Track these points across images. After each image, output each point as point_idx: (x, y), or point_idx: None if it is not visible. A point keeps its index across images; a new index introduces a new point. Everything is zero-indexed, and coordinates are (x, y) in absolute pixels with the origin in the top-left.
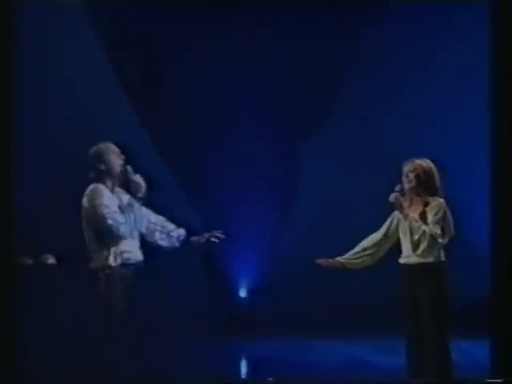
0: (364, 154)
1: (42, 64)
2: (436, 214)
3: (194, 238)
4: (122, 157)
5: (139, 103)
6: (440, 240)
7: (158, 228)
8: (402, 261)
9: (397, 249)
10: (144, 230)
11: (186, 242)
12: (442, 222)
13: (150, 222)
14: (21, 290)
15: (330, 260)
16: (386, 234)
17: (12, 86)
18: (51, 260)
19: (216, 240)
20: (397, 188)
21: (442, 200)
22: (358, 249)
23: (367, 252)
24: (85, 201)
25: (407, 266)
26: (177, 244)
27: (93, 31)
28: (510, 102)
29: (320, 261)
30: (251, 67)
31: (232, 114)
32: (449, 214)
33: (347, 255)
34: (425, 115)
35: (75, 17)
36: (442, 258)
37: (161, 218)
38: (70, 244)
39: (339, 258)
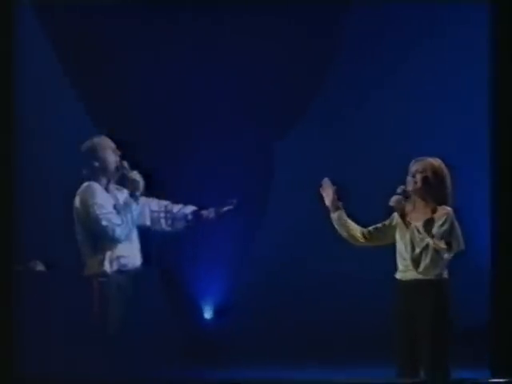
0: (352, 154)
1: (39, 61)
2: (442, 225)
3: (204, 212)
4: (118, 152)
5: (136, 97)
6: (446, 255)
7: (162, 215)
8: (398, 276)
9: (387, 260)
10: (148, 222)
11: (195, 220)
12: (448, 234)
13: (152, 211)
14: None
15: (332, 192)
16: (384, 228)
17: (11, 85)
18: (40, 267)
19: (231, 207)
20: (398, 190)
21: (449, 209)
22: (356, 228)
23: (363, 238)
24: (77, 200)
25: (404, 283)
26: (187, 224)
27: (89, 28)
28: (510, 101)
29: (325, 180)
30: (239, 66)
31: (220, 113)
32: (457, 226)
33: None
34: (422, 115)
35: (69, 14)
36: (445, 275)
37: (163, 203)
38: (61, 249)
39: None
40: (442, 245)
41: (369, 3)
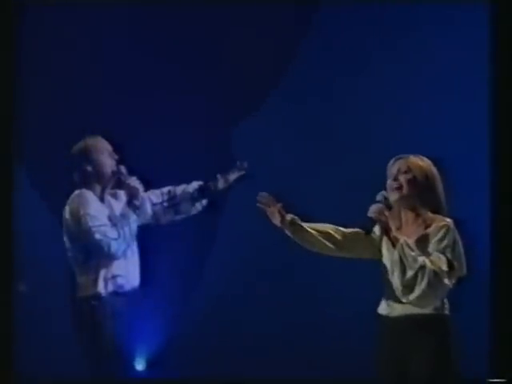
0: (336, 156)
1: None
2: (442, 240)
3: (210, 184)
4: (115, 155)
5: (136, 96)
6: (446, 281)
7: (165, 204)
8: (382, 311)
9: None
10: (149, 220)
11: (201, 196)
12: (450, 252)
13: (153, 204)
14: None
15: (277, 211)
16: (369, 235)
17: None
18: (22, 287)
19: (243, 173)
20: (379, 197)
21: (449, 220)
22: (322, 227)
23: (332, 240)
24: (67, 211)
25: (391, 320)
26: (193, 204)
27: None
28: (510, 102)
29: (263, 196)
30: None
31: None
32: (459, 243)
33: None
34: (421, 116)
35: (66, 14)
36: (446, 310)
37: (164, 191)
38: (48, 266)
39: (292, 216)
40: (443, 265)
41: (369, 2)
